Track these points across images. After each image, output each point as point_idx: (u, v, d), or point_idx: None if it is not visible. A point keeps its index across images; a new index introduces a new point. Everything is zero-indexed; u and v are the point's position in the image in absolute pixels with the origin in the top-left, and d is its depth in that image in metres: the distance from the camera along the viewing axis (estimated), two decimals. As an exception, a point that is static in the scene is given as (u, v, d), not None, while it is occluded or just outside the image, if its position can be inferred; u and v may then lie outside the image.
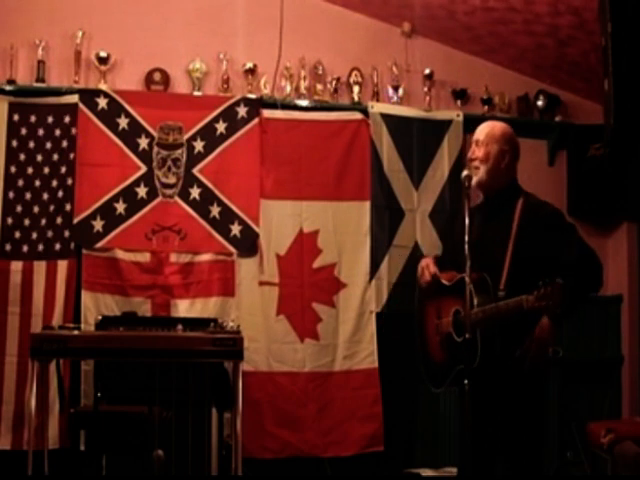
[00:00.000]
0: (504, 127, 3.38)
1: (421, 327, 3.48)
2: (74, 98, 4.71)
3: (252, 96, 4.93)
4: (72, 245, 4.65)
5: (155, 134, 4.78)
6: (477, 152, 3.30)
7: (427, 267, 3.38)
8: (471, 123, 4.47)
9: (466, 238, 3.04)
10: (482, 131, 3.35)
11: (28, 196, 4.67)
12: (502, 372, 3.11)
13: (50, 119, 4.70)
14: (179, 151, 4.81)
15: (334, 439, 4.81)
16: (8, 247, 4.61)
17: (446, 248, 3.69)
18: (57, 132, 4.71)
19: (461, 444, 3.30)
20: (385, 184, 5.01)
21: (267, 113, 4.93)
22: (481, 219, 3.28)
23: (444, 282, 3.33)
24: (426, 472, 4.70)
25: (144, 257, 4.73)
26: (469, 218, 3.10)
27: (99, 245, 4.67)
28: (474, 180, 3.26)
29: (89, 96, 4.73)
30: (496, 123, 3.44)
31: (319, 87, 5.06)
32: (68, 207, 4.67)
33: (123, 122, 4.75)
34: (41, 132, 4.69)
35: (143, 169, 4.76)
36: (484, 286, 3.09)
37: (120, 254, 4.69)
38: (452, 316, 3.26)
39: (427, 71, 5.18)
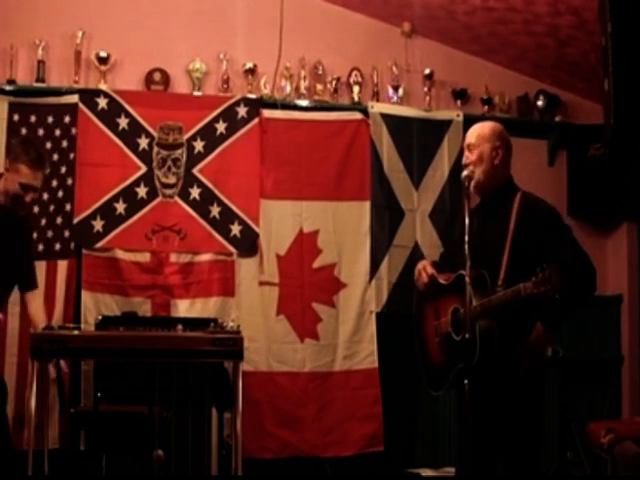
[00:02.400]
0: (493, 125, 3.40)
1: (420, 331, 3.48)
2: (74, 98, 4.71)
3: (252, 96, 4.93)
4: (72, 245, 4.65)
5: (155, 134, 4.79)
6: (470, 156, 3.30)
7: (424, 269, 3.39)
8: (471, 123, 4.45)
9: (466, 238, 3.05)
10: (472, 134, 3.36)
11: (28, 196, 4.67)
12: (501, 371, 3.12)
13: (50, 119, 4.70)
14: (179, 151, 4.81)
15: (334, 439, 4.81)
16: (8, 247, 4.61)
17: (447, 249, 3.70)
18: (57, 132, 4.70)
19: (460, 444, 3.31)
20: (385, 184, 5.01)
21: (267, 113, 4.94)
22: (480, 219, 3.28)
23: (441, 281, 3.34)
24: (426, 472, 4.70)
25: (144, 257, 4.73)
26: (469, 218, 3.10)
27: (99, 245, 4.67)
28: (472, 183, 3.27)
29: (89, 96, 4.73)
30: (485, 123, 3.44)
31: (319, 87, 5.06)
32: (68, 207, 4.67)
33: (123, 122, 4.75)
34: (41, 132, 4.69)
35: (143, 169, 4.76)
36: (482, 283, 3.09)
37: (120, 254, 4.68)
38: (450, 315, 3.26)
39: (427, 71, 5.19)
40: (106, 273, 4.66)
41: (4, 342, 4.52)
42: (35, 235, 4.63)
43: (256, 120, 4.89)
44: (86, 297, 4.60)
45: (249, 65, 4.96)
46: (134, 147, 4.75)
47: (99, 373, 4.02)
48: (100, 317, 4.10)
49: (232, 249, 4.82)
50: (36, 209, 4.65)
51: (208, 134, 4.84)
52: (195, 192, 4.81)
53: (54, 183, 4.68)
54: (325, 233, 4.95)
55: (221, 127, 4.86)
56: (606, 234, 5.45)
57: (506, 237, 3.18)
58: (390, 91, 5.15)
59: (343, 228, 4.97)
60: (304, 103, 5.02)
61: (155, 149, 4.78)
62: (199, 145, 4.83)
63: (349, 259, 4.96)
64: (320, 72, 5.08)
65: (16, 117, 4.67)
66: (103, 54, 4.80)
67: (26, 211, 3.89)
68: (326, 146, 4.98)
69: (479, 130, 3.36)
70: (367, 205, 4.99)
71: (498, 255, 3.16)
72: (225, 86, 4.95)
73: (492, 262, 3.14)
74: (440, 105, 5.26)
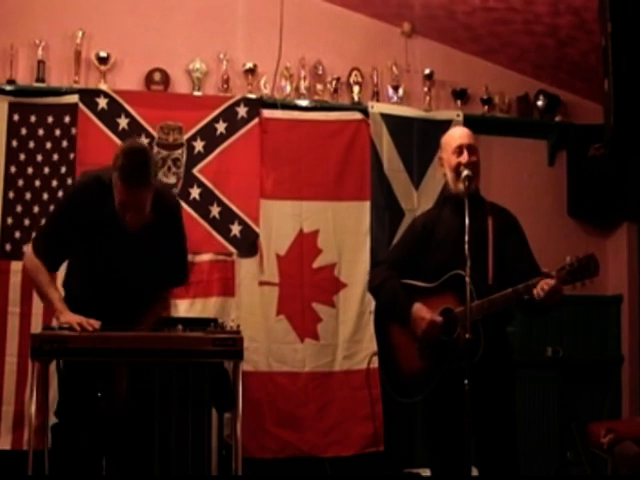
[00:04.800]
0: None
1: (386, 343, 3.46)
2: (74, 98, 4.71)
3: (252, 96, 4.93)
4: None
5: (155, 134, 4.78)
6: (472, 158, 3.34)
7: (434, 326, 3.27)
8: (471, 123, 4.47)
9: (466, 238, 3.08)
10: (470, 136, 3.41)
11: (28, 196, 4.67)
12: (495, 367, 3.13)
13: (50, 119, 4.70)
14: (179, 151, 4.81)
15: (334, 439, 4.81)
16: (8, 247, 4.61)
17: (401, 253, 3.56)
18: (57, 132, 4.70)
19: (440, 446, 3.33)
20: (385, 184, 5.01)
21: (267, 113, 4.94)
22: (453, 220, 3.30)
23: (420, 285, 3.35)
24: (426, 472, 4.69)
25: (144, 257, 4.72)
26: (441, 218, 3.30)
27: (99, 245, 4.66)
28: (474, 184, 3.30)
29: (89, 96, 4.73)
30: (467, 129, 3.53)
31: (319, 87, 5.06)
32: (68, 207, 4.66)
33: (123, 122, 4.75)
34: (41, 132, 4.69)
35: (143, 169, 4.74)
36: (473, 282, 3.10)
37: (120, 254, 4.68)
38: (440, 316, 3.26)
39: (427, 71, 5.19)
40: (106, 273, 4.65)
41: (4, 342, 4.53)
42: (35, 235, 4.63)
43: (256, 120, 4.89)
44: (86, 297, 4.59)
45: (249, 65, 4.96)
46: (134, 147, 4.74)
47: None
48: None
49: (232, 249, 4.82)
50: (36, 209, 4.66)
51: (208, 134, 4.84)
52: (195, 192, 4.81)
53: (54, 183, 4.68)
54: (325, 233, 4.95)
55: (221, 127, 4.86)
56: (606, 234, 5.45)
57: (487, 240, 3.24)
58: (390, 91, 5.15)
59: (343, 228, 4.97)
60: (304, 103, 5.02)
61: (155, 149, 4.77)
62: (199, 145, 4.84)
63: (349, 259, 4.96)
64: (320, 72, 5.08)
65: (16, 117, 4.67)
66: (103, 54, 4.80)
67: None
68: (326, 146, 4.98)
69: (471, 133, 3.44)
70: (367, 205, 4.99)
71: (482, 256, 3.21)
72: (225, 86, 4.96)
73: (478, 262, 3.16)
74: (440, 105, 5.26)
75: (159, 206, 3.31)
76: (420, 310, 3.27)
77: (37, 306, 4.52)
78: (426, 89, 5.20)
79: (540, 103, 5.36)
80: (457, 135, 3.41)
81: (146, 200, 3.19)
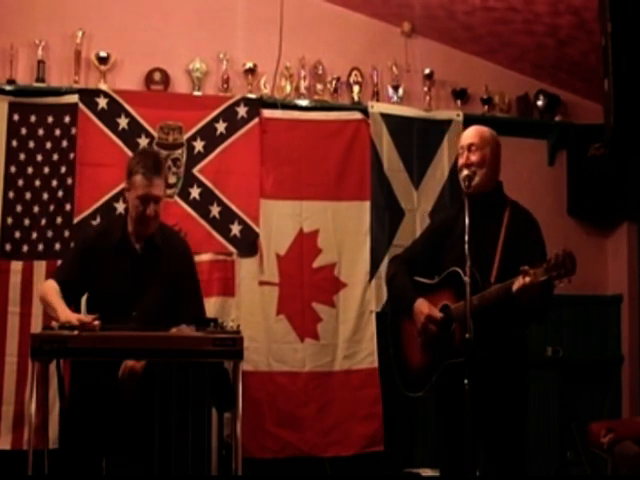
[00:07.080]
0: (490, 129, 3.44)
1: (397, 334, 3.50)
2: (74, 98, 4.71)
3: (252, 96, 4.93)
4: (72, 245, 4.65)
5: (155, 134, 4.78)
6: (472, 157, 3.31)
7: (431, 319, 3.28)
8: (471, 123, 4.46)
9: (466, 238, 3.06)
10: (474, 135, 3.37)
11: (28, 196, 4.67)
12: (488, 366, 3.13)
13: (50, 119, 4.70)
14: (179, 151, 4.81)
15: (334, 439, 4.81)
16: (8, 247, 4.61)
17: (417, 249, 3.59)
18: (57, 132, 4.70)
19: (446, 443, 3.33)
20: (385, 184, 5.01)
21: (267, 113, 4.94)
22: (468, 219, 3.29)
23: (425, 281, 3.36)
24: (426, 472, 4.70)
25: (144, 257, 4.72)
26: (459, 218, 3.20)
27: (99, 245, 4.66)
28: (471, 184, 3.28)
29: (89, 96, 4.73)
30: (482, 126, 3.46)
31: (319, 87, 5.06)
32: (68, 207, 4.67)
33: (123, 122, 4.75)
34: (41, 132, 4.69)
35: (143, 169, 4.75)
36: (473, 280, 3.09)
37: (120, 254, 4.68)
38: (440, 313, 3.26)
39: (427, 71, 5.19)
40: (106, 273, 4.65)
41: (4, 342, 4.53)
42: (35, 235, 4.64)
43: (256, 120, 4.90)
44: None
45: (249, 65, 4.96)
46: (134, 147, 4.73)
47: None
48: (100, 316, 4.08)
49: (232, 249, 4.82)
50: (36, 209, 4.66)
51: (208, 134, 4.84)
52: (195, 192, 4.81)
53: (54, 183, 4.68)
54: (325, 233, 4.95)
55: (221, 127, 4.86)
56: (606, 234, 5.46)
57: (497, 240, 3.23)
58: (390, 91, 5.15)
59: (343, 228, 4.97)
60: (304, 103, 5.02)
61: (155, 149, 4.77)
62: (199, 145, 4.84)
63: (349, 259, 4.96)
64: (320, 72, 5.08)
65: (16, 117, 4.67)
66: (103, 54, 4.80)
67: (153, 229, 3.55)
68: (326, 146, 4.98)
69: (480, 132, 3.38)
70: (367, 205, 4.99)
71: (490, 255, 3.20)
72: (225, 86, 4.96)
73: (484, 261, 3.16)
74: (440, 105, 5.26)
75: (168, 236, 3.64)
76: (421, 305, 3.30)
77: (37, 306, 4.52)
78: (426, 89, 5.20)
79: (540, 103, 5.36)
80: (462, 138, 3.41)
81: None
